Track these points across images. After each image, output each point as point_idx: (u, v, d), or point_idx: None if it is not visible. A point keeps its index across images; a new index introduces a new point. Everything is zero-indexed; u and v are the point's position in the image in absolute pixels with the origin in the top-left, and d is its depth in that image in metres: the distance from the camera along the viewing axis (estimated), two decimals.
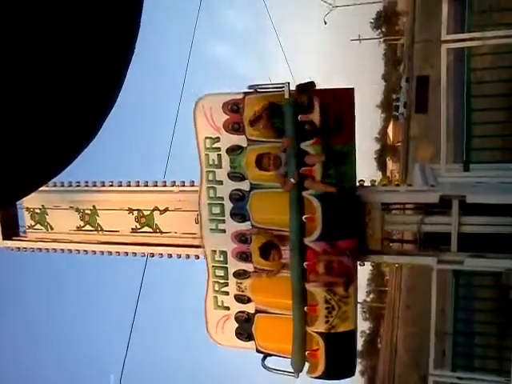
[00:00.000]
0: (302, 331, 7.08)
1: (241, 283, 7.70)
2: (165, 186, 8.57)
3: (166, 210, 8.53)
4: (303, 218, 6.81)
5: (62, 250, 9.20)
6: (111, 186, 8.76)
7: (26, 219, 9.52)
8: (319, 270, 6.90)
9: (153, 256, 8.65)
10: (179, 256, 8.47)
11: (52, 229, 9.31)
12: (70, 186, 9.05)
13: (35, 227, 9.44)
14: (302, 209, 6.85)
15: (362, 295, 56.67)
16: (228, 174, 7.46)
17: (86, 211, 8.96)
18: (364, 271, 57.57)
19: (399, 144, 46.41)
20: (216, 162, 7.52)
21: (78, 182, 9.01)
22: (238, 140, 7.31)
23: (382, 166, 61.79)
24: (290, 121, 6.69)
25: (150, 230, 8.64)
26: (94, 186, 8.93)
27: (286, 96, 6.77)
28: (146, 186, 8.64)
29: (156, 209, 8.57)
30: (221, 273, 7.81)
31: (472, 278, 9.41)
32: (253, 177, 7.27)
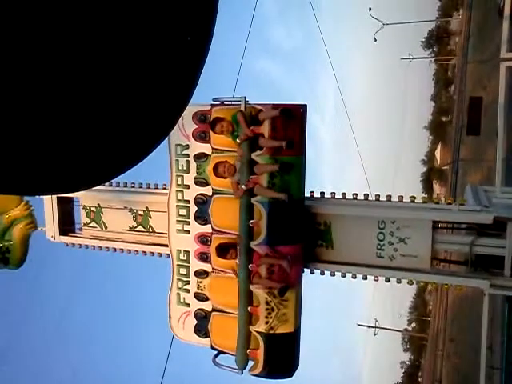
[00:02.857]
0: (245, 330, 7.48)
1: (200, 282, 8.19)
2: None
3: None
4: (250, 222, 7.26)
5: (115, 249, 9.52)
6: (164, 188, 9.03)
7: (82, 217, 9.93)
8: (262, 273, 7.26)
9: None
10: None
11: (106, 227, 9.67)
12: (126, 186, 9.39)
13: (90, 225, 9.82)
14: (251, 214, 7.30)
15: (403, 324, 54.84)
16: (194, 179, 8.02)
17: (139, 212, 9.27)
18: (406, 299, 55.83)
19: (447, 167, 45.40)
20: (184, 168, 8.09)
21: (133, 183, 9.36)
22: (204, 148, 7.85)
23: (427, 189, 60.36)
24: (243, 131, 7.18)
25: None
26: (148, 187, 9.25)
27: (242, 108, 7.29)
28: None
29: None
30: (184, 271, 8.33)
31: None
32: (215, 183, 7.77)
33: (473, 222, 7.45)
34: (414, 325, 56.62)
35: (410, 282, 7.61)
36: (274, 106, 7.24)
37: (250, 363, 7.70)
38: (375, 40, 46.40)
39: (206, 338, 8.13)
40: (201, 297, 8.20)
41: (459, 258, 8.46)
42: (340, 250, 8.10)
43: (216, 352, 7.95)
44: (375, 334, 48.19)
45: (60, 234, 9.88)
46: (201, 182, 7.96)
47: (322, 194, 8.30)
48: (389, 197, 7.97)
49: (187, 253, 8.27)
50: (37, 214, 9.97)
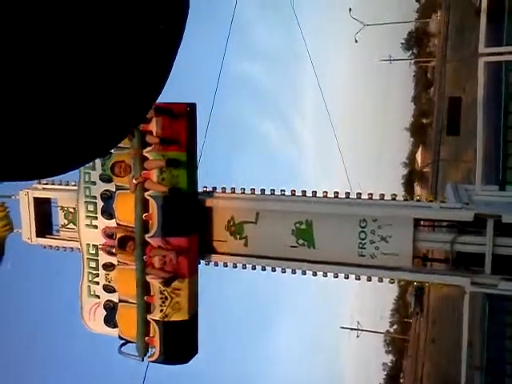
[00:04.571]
0: (143, 319, 8.04)
1: (108, 274, 8.69)
2: None
3: None
4: (144, 216, 7.77)
5: None
6: None
7: (59, 218, 9.72)
8: (155, 264, 7.86)
9: None
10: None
11: None
12: None
13: (68, 226, 9.62)
14: (146, 208, 7.80)
15: (385, 326, 55.07)
16: (99, 176, 8.47)
17: None
18: (388, 302, 56.09)
19: (428, 169, 45.71)
20: (91, 165, 8.45)
21: None
22: None
23: (409, 191, 60.38)
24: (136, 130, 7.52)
25: None
26: None
27: None
28: None
29: None
30: (93, 264, 8.82)
31: (503, 303, 9.14)
32: (117, 179, 8.18)
33: (454, 219, 7.46)
34: (395, 327, 56.97)
35: (392, 281, 7.60)
36: (157, 105, 7.51)
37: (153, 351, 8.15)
38: (356, 41, 46.62)
39: (114, 328, 8.57)
40: (109, 288, 8.68)
41: (440, 256, 8.47)
42: (321, 248, 8.05)
43: (123, 342, 8.43)
44: (357, 336, 48.41)
45: (37, 236, 9.67)
46: (105, 178, 8.40)
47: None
48: (370, 195, 7.95)
49: (95, 247, 8.71)
50: (13, 216, 9.74)
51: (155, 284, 7.89)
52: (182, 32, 1.22)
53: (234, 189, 8.62)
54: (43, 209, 9.83)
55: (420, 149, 52.54)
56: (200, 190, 8.57)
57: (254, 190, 8.53)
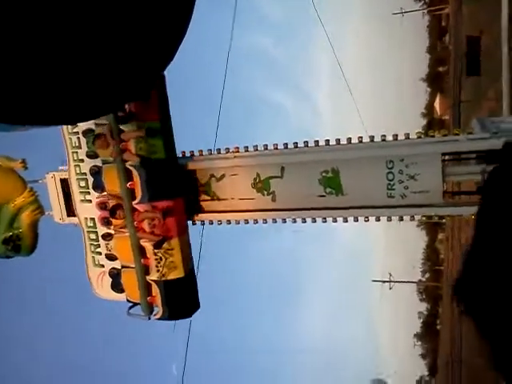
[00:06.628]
0: (143, 280, 8.44)
1: (108, 244, 9.13)
2: (219, 152, 8.71)
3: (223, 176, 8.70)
4: (128, 184, 8.11)
5: None
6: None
7: None
8: (145, 228, 8.25)
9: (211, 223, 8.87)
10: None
11: None
12: None
13: None
14: (128, 177, 8.17)
15: (417, 276, 54.95)
16: (86, 153, 8.88)
17: None
18: (417, 250, 55.80)
19: (447, 117, 44.74)
20: (77, 144, 8.94)
21: None
22: (89, 124, 8.49)
23: None
24: None
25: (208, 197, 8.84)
26: None
27: None
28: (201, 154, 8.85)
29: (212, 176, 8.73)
30: (93, 236, 9.29)
31: None
32: (102, 154, 8.49)
33: (483, 149, 7.30)
34: (427, 275, 56.74)
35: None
36: None
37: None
38: None
39: (122, 293, 9.02)
40: (110, 257, 9.12)
41: (469, 188, 8.34)
42: (350, 195, 8.01)
43: (131, 304, 8.85)
44: (390, 288, 48.33)
45: (68, 216, 9.84)
46: (91, 155, 8.80)
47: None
48: (395, 136, 7.82)
49: (92, 219, 9.17)
50: (42, 199, 9.91)
51: (148, 247, 8.34)
52: None
53: (257, 146, 8.59)
54: (70, 189, 9.97)
55: (438, 97, 51.43)
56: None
57: (277, 144, 8.49)
